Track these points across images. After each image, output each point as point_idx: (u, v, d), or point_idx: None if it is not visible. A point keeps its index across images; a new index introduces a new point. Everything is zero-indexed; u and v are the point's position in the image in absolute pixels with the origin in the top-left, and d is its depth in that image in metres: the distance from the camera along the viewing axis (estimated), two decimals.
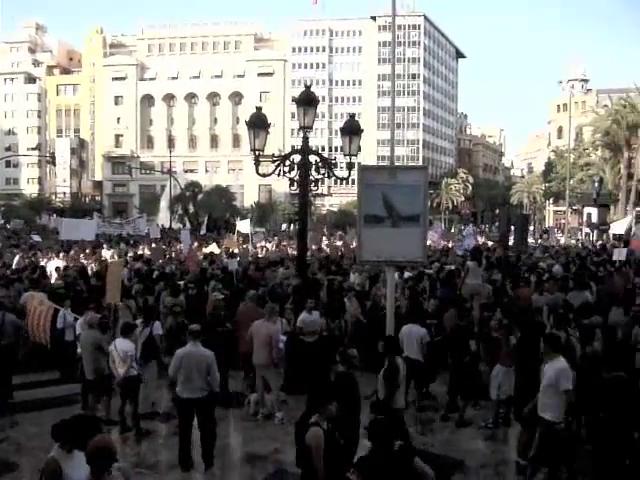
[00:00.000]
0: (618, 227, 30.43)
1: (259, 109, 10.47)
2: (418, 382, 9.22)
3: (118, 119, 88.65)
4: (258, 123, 10.25)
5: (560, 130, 79.16)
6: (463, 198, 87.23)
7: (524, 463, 7.22)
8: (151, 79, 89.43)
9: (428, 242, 26.06)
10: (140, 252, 22.92)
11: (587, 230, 39.83)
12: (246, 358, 9.39)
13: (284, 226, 54.28)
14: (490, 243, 27.88)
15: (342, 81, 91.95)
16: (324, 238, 32.41)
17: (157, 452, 8.05)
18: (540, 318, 10.57)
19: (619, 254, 15.88)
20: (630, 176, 54.84)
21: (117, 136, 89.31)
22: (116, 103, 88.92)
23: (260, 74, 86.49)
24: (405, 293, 12.52)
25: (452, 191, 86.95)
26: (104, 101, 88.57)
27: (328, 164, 10.36)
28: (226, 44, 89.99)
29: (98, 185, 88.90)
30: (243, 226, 28.88)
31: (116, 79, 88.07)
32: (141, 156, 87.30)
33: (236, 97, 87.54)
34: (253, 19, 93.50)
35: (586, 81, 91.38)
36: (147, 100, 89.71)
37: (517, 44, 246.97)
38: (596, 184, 36.33)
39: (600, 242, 30.54)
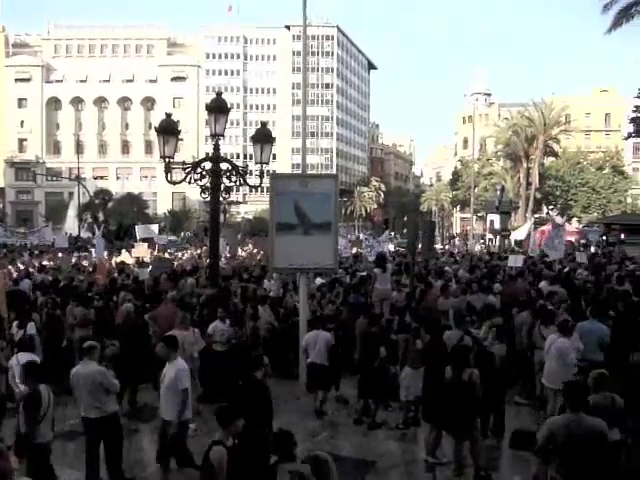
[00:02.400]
0: (518, 233, 32.32)
1: (169, 115, 10.29)
2: (325, 387, 9.35)
3: (22, 122, 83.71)
4: (168, 129, 10.06)
5: (465, 141, 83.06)
6: (375, 205, 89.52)
7: (433, 461, 7.50)
8: (58, 81, 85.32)
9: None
10: (45, 262, 21.76)
11: (490, 236, 41.97)
12: None
13: (188, 234, 53.18)
14: (400, 249, 28.75)
15: (257, 89, 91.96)
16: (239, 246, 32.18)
17: (62, 472, 7.65)
18: (447, 321, 11.06)
19: (515, 261, 16.74)
20: (529, 185, 58.47)
21: (21, 140, 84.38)
22: (19, 106, 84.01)
23: (173, 79, 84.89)
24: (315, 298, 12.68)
25: (365, 199, 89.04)
26: (6, 103, 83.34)
27: (240, 172, 10.33)
28: (138, 48, 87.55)
29: (0, 192, 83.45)
30: (141, 231, 28.00)
31: (19, 80, 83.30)
32: (47, 162, 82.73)
33: (148, 102, 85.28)
34: (166, 23, 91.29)
35: (489, 95, 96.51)
36: (53, 103, 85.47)
37: (426, 57, 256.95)
38: (498, 192, 38.42)
39: (497, 247, 32.25)
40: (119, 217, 52.68)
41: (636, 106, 38.37)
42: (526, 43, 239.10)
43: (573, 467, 5.01)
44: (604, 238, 27.18)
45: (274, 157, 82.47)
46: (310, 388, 9.55)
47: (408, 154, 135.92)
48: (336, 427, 8.95)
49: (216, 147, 10.31)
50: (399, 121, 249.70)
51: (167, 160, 9.93)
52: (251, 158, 11.01)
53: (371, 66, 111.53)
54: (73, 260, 23.46)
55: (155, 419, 8.93)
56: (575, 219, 55.01)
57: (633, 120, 38.97)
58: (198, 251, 29.27)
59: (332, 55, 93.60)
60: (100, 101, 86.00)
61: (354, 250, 27.46)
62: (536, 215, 55.32)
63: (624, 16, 29.94)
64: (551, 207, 64.20)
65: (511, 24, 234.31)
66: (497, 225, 35.53)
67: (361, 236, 35.68)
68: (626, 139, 46.90)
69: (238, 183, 10.70)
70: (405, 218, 69.49)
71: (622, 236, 26.41)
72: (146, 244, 26.41)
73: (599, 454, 5.01)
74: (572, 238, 32.29)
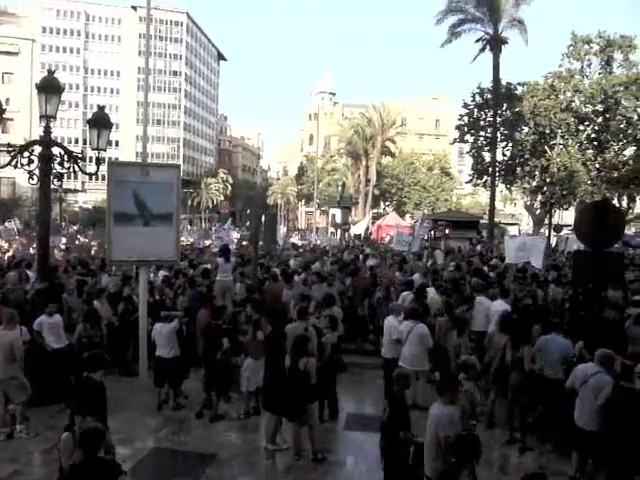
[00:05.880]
0: (358, 228, 34.11)
1: None
2: (172, 381, 9.19)
3: None
4: None
5: (311, 137, 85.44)
6: (223, 197, 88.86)
7: (273, 448, 7.71)
8: None
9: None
10: None
11: (332, 230, 43.66)
12: None
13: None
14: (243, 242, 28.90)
15: (99, 70, 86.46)
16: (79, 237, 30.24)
17: None
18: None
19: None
20: (367, 182, 61.84)
21: None
22: None
23: (2, 52, 76.57)
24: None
25: (212, 190, 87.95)
26: None
27: (74, 157, 9.68)
28: None
29: None
30: None
31: None
32: None
33: None
34: None
35: (333, 94, 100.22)
36: None
37: (275, 54, 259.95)
38: (339, 188, 40.06)
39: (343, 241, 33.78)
40: None
41: (461, 115, 42.16)
42: (372, 46, 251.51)
43: None
44: (432, 233, 29.60)
45: (117, 144, 79.02)
46: (157, 382, 9.30)
47: (256, 147, 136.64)
48: (177, 422, 8.81)
49: (47, 130, 9.55)
50: (247, 114, 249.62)
51: None
52: (92, 143, 10.34)
53: (221, 57, 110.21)
54: None
55: None
56: (408, 215, 59.20)
57: (458, 127, 42.73)
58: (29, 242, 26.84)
59: (181, 42, 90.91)
60: None
61: (206, 242, 27.12)
62: (374, 210, 58.74)
63: (453, 33, 33.00)
64: (387, 203, 68.56)
65: (362, 26, 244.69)
66: (338, 219, 37.10)
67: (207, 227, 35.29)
68: (452, 144, 51.45)
69: (72, 170, 10.02)
70: (248, 211, 69.86)
71: (447, 231, 28.98)
72: None
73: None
74: (405, 232, 34.74)
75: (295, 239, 39.01)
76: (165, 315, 9.35)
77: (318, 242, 34.67)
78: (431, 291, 12.00)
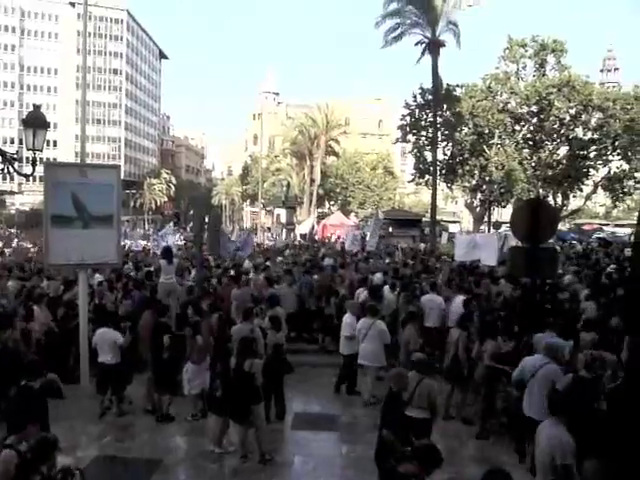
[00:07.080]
0: (303, 227, 34.15)
1: None
2: (115, 387, 8.99)
3: None
4: None
5: (255, 137, 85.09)
6: (166, 198, 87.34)
7: (219, 451, 7.65)
8: None
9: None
10: None
11: (278, 229, 43.60)
12: None
13: None
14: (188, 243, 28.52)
15: (35, 68, 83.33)
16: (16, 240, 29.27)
17: None
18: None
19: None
20: (312, 181, 62.02)
21: None
22: None
23: None
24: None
25: (155, 191, 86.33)
26: None
27: (7, 158, 9.31)
28: None
29: None
30: None
31: None
32: None
33: None
34: None
35: (277, 94, 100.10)
36: None
37: (219, 53, 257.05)
38: (284, 188, 39.99)
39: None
40: None
41: (403, 115, 42.83)
42: (316, 47, 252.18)
43: None
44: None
45: (55, 144, 76.27)
46: (100, 389, 9.07)
47: (200, 147, 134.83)
48: (121, 428, 8.63)
49: None
50: (191, 114, 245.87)
51: None
52: None
53: (162, 55, 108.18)
54: None
55: None
56: (353, 214, 59.74)
57: (400, 127, 43.37)
58: None
59: (121, 40, 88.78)
60: None
61: (144, 243, 26.62)
62: (319, 210, 58.96)
63: (394, 37, 33.44)
64: (332, 203, 68.96)
65: (305, 26, 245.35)
66: (283, 219, 37.10)
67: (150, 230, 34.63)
68: (394, 143, 52.24)
69: (7, 171, 9.63)
70: (191, 212, 68.94)
71: (390, 229, 29.47)
72: None
73: None
74: (358, 232, 35.13)
75: (265, 239, 38.46)
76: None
77: (267, 242, 34.53)
78: (385, 289, 12.21)
